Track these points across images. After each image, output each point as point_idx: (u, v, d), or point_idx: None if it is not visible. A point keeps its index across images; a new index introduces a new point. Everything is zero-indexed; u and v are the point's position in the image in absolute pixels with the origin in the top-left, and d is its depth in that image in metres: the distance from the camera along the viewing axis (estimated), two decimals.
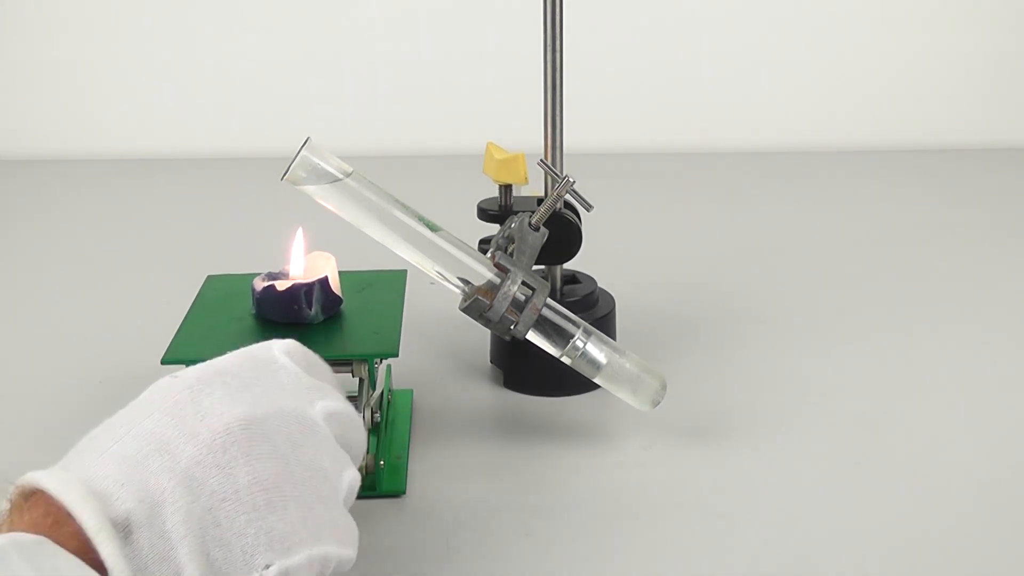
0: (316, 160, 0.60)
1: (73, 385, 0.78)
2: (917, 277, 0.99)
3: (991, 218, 1.18)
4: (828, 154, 1.44)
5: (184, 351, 0.62)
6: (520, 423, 0.73)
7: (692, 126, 1.47)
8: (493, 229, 0.75)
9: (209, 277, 0.73)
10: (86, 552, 0.40)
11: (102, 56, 1.48)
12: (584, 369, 0.66)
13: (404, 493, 0.65)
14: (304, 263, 0.68)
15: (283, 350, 0.52)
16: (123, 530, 0.41)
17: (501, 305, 0.63)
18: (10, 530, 0.40)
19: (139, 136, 1.47)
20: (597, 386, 0.68)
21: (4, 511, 0.43)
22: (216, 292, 0.71)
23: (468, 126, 1.35)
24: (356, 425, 0.53)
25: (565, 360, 0.66)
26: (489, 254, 0.66)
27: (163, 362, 0.61)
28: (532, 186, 0.76)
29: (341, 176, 0.61)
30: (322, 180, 0.60)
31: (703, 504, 0.63)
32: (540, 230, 0.68)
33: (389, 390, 0.73)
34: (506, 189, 0.75)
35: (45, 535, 0.40)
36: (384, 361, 0.72)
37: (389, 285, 0.71)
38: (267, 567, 0.44)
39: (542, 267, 0.78)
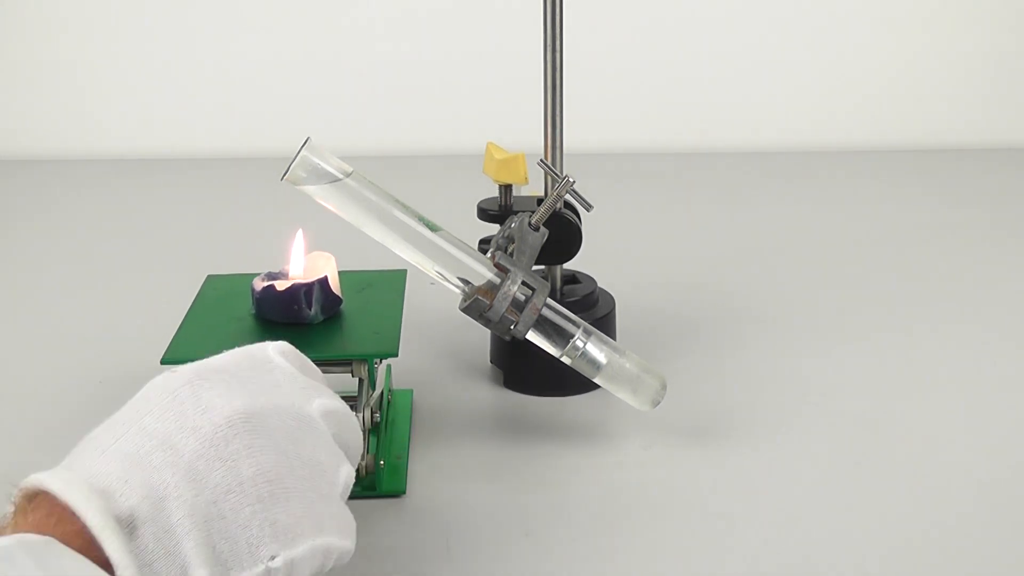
0: (316, 160, 0.60)
1: (73, 385, 0.78)
2: (917, 277, 0.99)
3: (991, 218, 1.18)
4: (828, 154, 1.44)
5: (184, 351, 0.62)
6: (520, 423, 0.73)
7: (692, 126, 1.47)
8: (493, 229, 0.75)
9: (209, 277, 0.73)
10: (91, 550, 0.40)
11: (102, 56, 1.47)
12: (584, 369, 0.66)
13: (404, 493, 0.65)
14: (304, 263, 0.68)
15: (278, 350, 0.52)
16: (128, 526, 0.42)
17: (501, 305, 0.63)
18: (15, 532, 0.40)
19: (139, 136, 1.47)
20: (597, 386, 0.68)
21: (8, 515, 0.43)
22: (216, 292, 0.71)
23: (468, 126, 1.35)
24: (352, 425, 0.53)
25: (565, 360, 0.66)
26: (489, 254, 0.66)
27: (163, 362, 0.61)
28: (532, 186, 0.76)
29: (341, 176, 0.61)
30: (322, 180, 0.60)
31: (703, 504, 0.63)
32: (540, 230, 0.68)
33: (389, 390, 0.73)
34: (506, 189, 0.75)
35: (50, 535, 0.40)
36: (384, 361, 0.72)
37: (389, 285, 0.71)
38: (272, 558, 0.44)
39: (542, 267, 0.78)
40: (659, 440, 0.70)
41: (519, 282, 0.64)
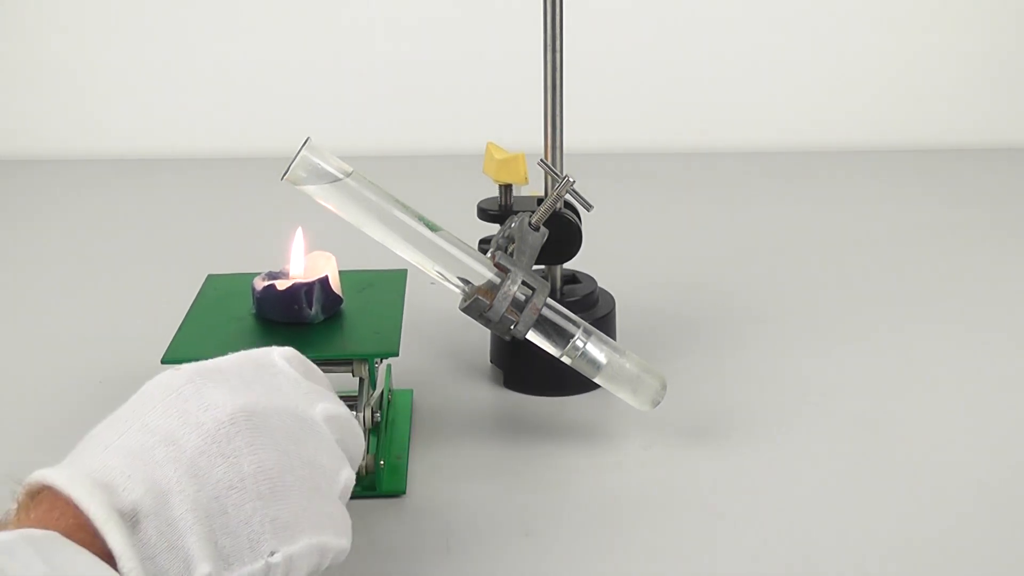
0: (316, 160, 0.60)
1: (73, 385, 0.78)
2: (917, 277, 0.99)
3: (991, 218, 1.18)
4: (828, 154, 1.44)
5: (184, 351, 0.62)
6: (520, 423, 0.73)
7: (692, 126, 1.47)
8: (493, 229, 0.75)
9: (209, 276, 0.73)
10: (94, 543, 0.40)
11: (102, 56, 1.47)
12: (584, 369, 0.66)
13: (404, 493, 0.65)
14: (304, 263, 0.68)
15: (282, 356, 0.52)
16: (130, 520, 0.42)
17: (501, 305, 0.63)
18: (18, 527, 0.40)
19: (139, 136, 1.47)
20: (597, 386, 0.68)
21: (12, 511, 0.43)
22: (216, 292, 0.71)
23: (468, 126, 1.35)
24: (355, 431, 0.53)
25: (565, 360, 0.66)
26: (489, 254, 0.66)
27: (163, 362, 0.61)
28: (532, 186, 0.76)
29: (341, 176, 0.61)
30: (322, 180, 0.60)
31: (703, 504, 0.63)
32: (540, 230, 0.68)
33: (389, 390, 0.73)
34: (506, 189, 0.75)
35: (53, 529, 0.40)
36: (384, 361, 0.72)
37: (389, 285, 0.71)
38: (272, 554, 0.45)
39: (542, 267, 0.78)
40: (659, 440, 0.70)
41: (519, 282, 0.64)
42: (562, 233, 0.74)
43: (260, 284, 0.66)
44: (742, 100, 1.48)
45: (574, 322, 0.66)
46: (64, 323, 0.91)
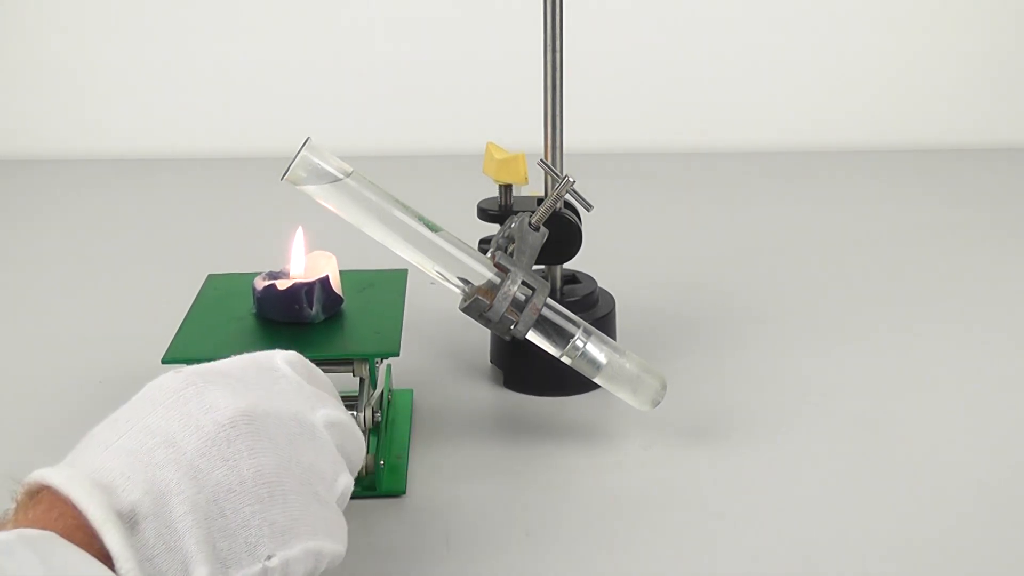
0: (316, 160, 0.60)
1: (73, 385, 0.78)
2: (917, 277, 0.99)
3: (991, 218, 1.18)
4: (828, 154, 1.44)
5: (184, 351, 0.62)
6: (520, 423, 0.73)
7: (692, 126, 1.47)
8: (493, 229, 0.75)
9: (210, 276, 0.73)
10: (92, 544, 0.40)
11: (102, 56, 1.47)
12: (584, 369, 0.66)
13: (404, 493, 0.65)
14: (305, 262, 0.68)
15: (285, 359, 0.52)
16: (129, 521, 0.42)
17: (501, 305, 0.63)
18: (16, 527, 0.40)
19: (139, 136, 1.47)
20: (597, 386, 0.68)
21: (10, 511, 0.43)
22: (217, 291, 0.71)
23: (468, 126, 1.35)
24: (356, 437, 0.53)
25: (565, 360, 0.66)
26: (489, 254, 0.66)
27: (163, 362, 0.61)
28: (532, 186, 0.76)
29: (341, 176, 0.61)
30: (322, 180, 0.60)
31: (703, 504, 0.63)
32: (540, 230, 0.68)
33: (389, 390, 0.73)
34: (506, 189, 0.75)
35: (51, 529, 0.40)
36: (384, 361, 0.72)
37: (390, 285, 0.71)
38: (269, 557, 0.45)
39: (542, 267, 0.78)
40: (659, 440, 0.70)
41: (519, 282, 0.64)
42: (562, 233, 0.74)
43: (260, 284, 0.66)
44: (742, 100, 1.48)
45: (574, 322, 0.66)
46: (64, 323, 0.91)
